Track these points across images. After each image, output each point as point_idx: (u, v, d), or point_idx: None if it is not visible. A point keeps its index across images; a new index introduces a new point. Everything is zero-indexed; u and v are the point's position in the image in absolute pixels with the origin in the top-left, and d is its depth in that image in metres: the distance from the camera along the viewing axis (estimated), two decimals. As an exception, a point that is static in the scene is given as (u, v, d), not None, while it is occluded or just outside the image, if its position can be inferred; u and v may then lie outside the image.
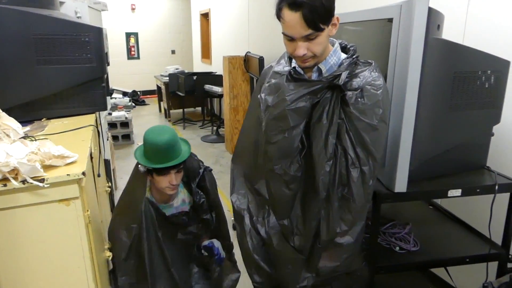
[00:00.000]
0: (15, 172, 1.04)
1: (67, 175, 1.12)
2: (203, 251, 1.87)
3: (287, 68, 1.23)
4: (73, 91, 1.91)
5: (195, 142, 5.51)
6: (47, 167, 1.14)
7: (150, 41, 9.24)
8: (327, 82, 1.13)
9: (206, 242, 1.85)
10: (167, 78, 6.51)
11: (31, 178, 1.05)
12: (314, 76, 1.22)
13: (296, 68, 1.22)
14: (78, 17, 2.63)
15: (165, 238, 1.70)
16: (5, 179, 1.04)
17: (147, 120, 7.07)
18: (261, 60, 3.78)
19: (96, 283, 1.29)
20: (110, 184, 2.54)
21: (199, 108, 7.20)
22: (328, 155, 1.14)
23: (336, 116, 1.13)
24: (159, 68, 8.43)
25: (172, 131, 1.64)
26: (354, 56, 1.18)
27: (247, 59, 4.28)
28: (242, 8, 4.96)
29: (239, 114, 4.70)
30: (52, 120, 1.85)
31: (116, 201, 2.03)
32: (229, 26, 5.73)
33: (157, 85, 7.65)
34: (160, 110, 7.72)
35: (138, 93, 8.74)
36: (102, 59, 1.96)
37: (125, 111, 5.67)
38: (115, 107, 5.86)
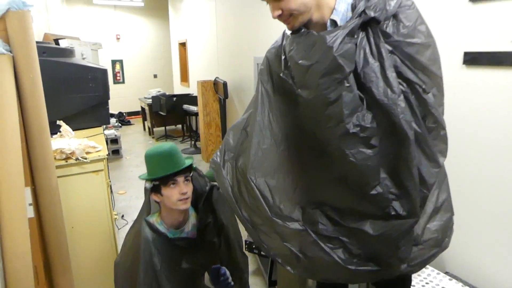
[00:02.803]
0: (72, 154, 1.94)
1: (99, 156, 2.03)
2: (210, 278, 1.70)
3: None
4: (87, 111, 2.82)
5: (176, 154, 6.39)
6: (86, 153, 2.04)
7: (134, 66, 10.13)
8: (360, 19, 1.00)
9: (215, 266, 1.70)
10: (151, 100, 7.40)
11: (81, 157, 1.95)
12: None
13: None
14: (83, 58, 3.55)
15: (166, 266, 1.52)
16: (67, 158, 1.95)
17: (133, 137, 7.93)
18: (224, 84, 4.75)
19: (112, 221, 2.18)
20: (109, 180, 3.42)
21: (179, 125, 8.11)
22: (397, 91, 0.99)
23: (384, 50, 1.00)
24: (142, 91, 9.34)
25: (170, 143, 1.62)
26: None
27: (216, 83, 5.24)
28: (212, 40, 5.95)
29: (212, 128, 5.63)
30: (74, 131, 2.75)
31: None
32: (202, 54, 6.70)
33: (141, 106, 8.53)
34: (144, 129, 8.59)
35: (124, 114, 9.60)
36: (106, 89, 2.88)
37: (114, 130, 6.53)
38: (105, 127, 6.72)
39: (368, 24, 1.01)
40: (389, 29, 1.02)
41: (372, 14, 1.00)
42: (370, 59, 1.00)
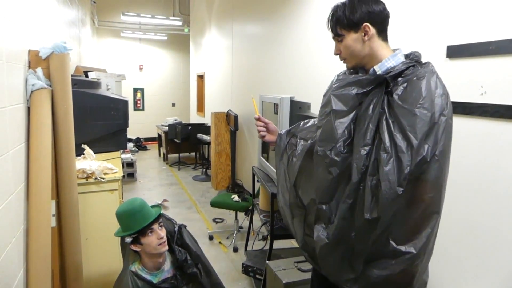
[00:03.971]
0: (92, 174, 2.24)
1: (114, 177, 2.32)
2: None
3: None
4: (108, 137, 3.15)
5: (187, 180, 6.67)
6: (104, 173, 2.34)
7: (154, 95, 10.69)
8: (374, 76, 1.21)
9: None
10: (167, 127, 7.79)
11: (99, 177, 2.25)
12: None
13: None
14: (108, 89, 3.94)
15: None
16: (88, 177, 2.25)
17: (148, 162, 8.29)
18: (236, 117, 5.08)
19: (123, 236, 2.44)
20: (122, 200, 3.70)
21: (193, 153, 8.45)
22: (365, 141, 1.14)
23: (378, 106, 1.16)
24: (160, 119, 9.79)
25: (139, 198, 1.84)
26: (412, 59, 1.23)
27: (228, 115, 5.58)
28: (228, 75, 6.36)
29: (222, 157, 5.92)
30: (95, 154, 3.07)
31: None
32: (218, 87, 7.12)
33: (158, 133, 8.93)
34: (159, 155, 8.95)
35: (141, 139, 10.03)
36: (126, 118, 3.22)
37: (131, 154, 6.90)
38: (122, 151, 7.10)
39: (384, 82, 1.19)
40: (396, 91, 1.15)
41: (386, 76, 1.19)
42: (369, 109, 1.17)
